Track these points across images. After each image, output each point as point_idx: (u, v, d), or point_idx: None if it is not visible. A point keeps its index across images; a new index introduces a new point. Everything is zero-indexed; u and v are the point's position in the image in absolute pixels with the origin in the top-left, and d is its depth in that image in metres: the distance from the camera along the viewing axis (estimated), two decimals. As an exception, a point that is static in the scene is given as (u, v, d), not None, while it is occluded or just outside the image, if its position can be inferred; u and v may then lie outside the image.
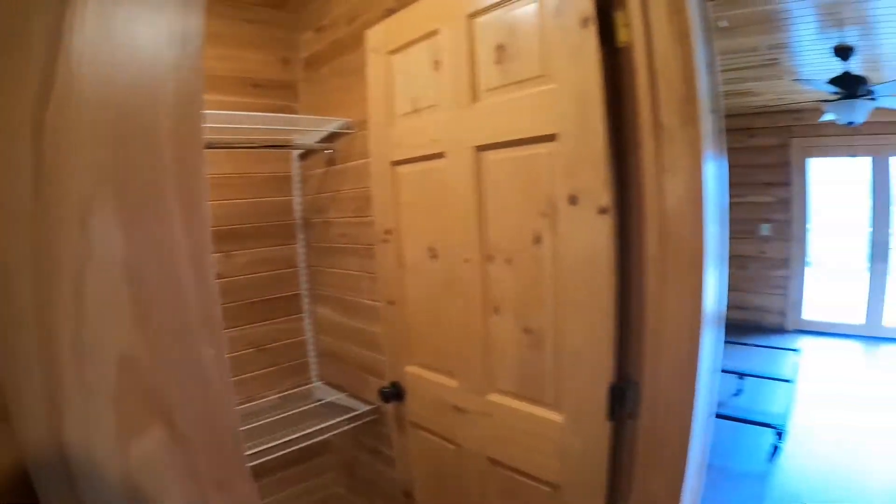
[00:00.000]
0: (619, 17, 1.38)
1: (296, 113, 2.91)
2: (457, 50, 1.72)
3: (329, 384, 3.03)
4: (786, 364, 5.78)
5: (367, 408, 2.66)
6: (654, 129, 1.35)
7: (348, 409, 2.71)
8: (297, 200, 3.00)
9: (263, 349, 2.92)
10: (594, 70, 1.37)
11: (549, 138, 1.50)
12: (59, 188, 0.57)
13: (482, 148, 1.69)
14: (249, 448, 2.22)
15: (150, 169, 0.63)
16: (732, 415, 4.54)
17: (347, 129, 2.55)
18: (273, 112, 2.73)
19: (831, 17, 3.40)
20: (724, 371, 4.79)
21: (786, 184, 7.01)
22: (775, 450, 3.96)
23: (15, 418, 0.61)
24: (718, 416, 4.34)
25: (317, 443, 2.66)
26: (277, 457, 2.37)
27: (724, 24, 3.45)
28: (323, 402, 2.87)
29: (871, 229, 6.90)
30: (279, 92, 2.90)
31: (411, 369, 2.10)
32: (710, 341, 1.50)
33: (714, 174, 1.41)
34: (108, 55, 0.59)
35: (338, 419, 2.62)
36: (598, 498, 1.58)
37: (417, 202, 1.96)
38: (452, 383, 1.93)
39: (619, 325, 1.47)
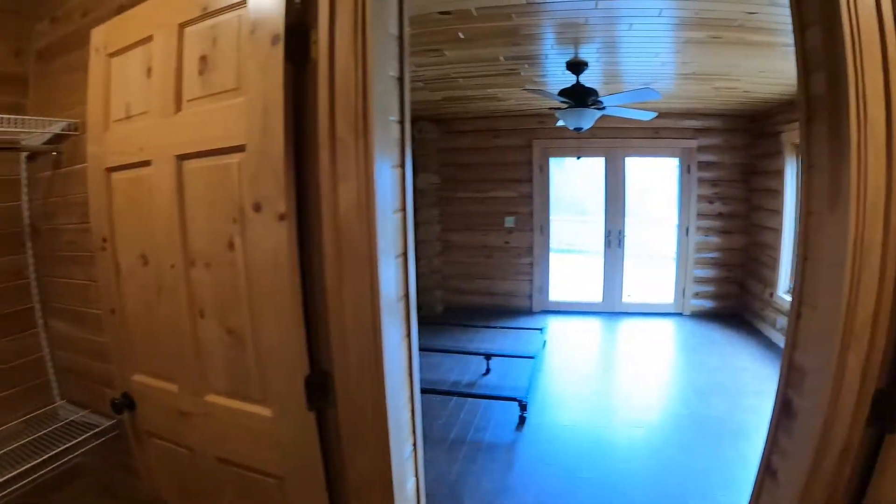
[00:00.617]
0: (313, 35, 1.49)
1: (25, 110, 2.59)
2: (166, 58, 1.72)
3: (73, 402, 2.79)
4: (530, 342, 6.38)
5: (109, 423, 2.52)
6: (331, 141, 1.47)
7: (93, 426, 2.54)
8: (25, 206, 2.70)
9: (-3, 371, 2.62)
10: (279, 85, 1.46)
11: (240, 149, 1.56)
12: None
13: (183, 157, 1.71)
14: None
15: None
16: (482, 392, 4.96)
17: (73, 130, 2.37)
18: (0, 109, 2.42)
19: (564, 36, 3.78)
20: (472, 353, 5.27)
21: (529, 180, 7.68)
22: (522, 420, 4.37)
23: None
24: (469, 395, 4.77)
25: (72, 466, 2.48)
26: (29, 488, 2.20)
27: (461, 35, 3.68)
28: (68, 421, 2.64)
29: (605, 220, 7.85)
30: (8, 87, 2.57)
31: (138, 378, 2.07)
32: (396, 327, 1.68)
33: (389, 180, 1.58)
34: None
35: (81, 438, 2.45)
36: (318, 483, 1.70)
37: (130, 209, 1.93)
38: (174, 388, 1.94)
39: (308, 322, 1.59)
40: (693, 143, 7.30)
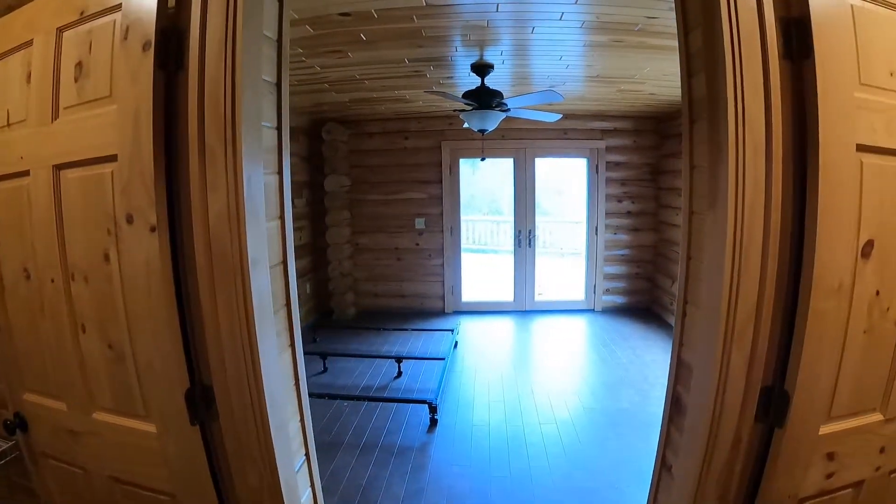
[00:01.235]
0: (187, 40, 1.43)
1: None
2: (45, 63, 1.63)
3: None
4: (442, 344, 6.39)
5: (7, 445, 2.35)
6: (200, 149, 1.42)
7: None
8: None
9: None
10: (148, 92, 1.40)
11: (112, 158, 1.50)
12: None
13: (60, 166, 1.63)
14: None
15: None
16: (393, 396, 4.92)
17: None
18: None
19: (467, 38, 3.77)
20: (384, 357, 5.20)
21: (438, 181, 7.69)
22: (433, 422, 4.36)
23: None
24: (379, 399, 4.71)
25: None
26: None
27: (363, 37, 3.63)
28: None
29: (514, 220, 7.96)
30: None
31: (29, 397, 1.97)
32: (275, 338, 1.65)
33: (261, 188, 1.54)
34: None
35: None
36: (209, 499, 1.67)
37: (11, 221, 1.83)
38: (62, 406, 1.86)
39: (186, 335, 1.55)
40: (601, 144, 7.49)
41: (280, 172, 1.69)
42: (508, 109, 4.85)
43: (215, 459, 1.66)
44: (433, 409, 4.36)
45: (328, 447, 3.93)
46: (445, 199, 7.70)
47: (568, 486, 3.45)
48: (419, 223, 7.79)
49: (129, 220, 1.49)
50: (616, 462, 3.71)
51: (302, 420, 1.87)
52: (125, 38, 1.44)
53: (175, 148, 1.47)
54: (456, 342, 6.34)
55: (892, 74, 1.36)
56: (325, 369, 5.54)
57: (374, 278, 7.97)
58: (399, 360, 5.55)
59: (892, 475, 1.65)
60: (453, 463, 3.79)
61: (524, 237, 7.88)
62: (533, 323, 7.53)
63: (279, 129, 1.67)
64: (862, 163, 1.34)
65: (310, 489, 1.92)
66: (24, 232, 1.77)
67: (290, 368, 1.77)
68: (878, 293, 1.41)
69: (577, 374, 5.65)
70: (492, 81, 4.71)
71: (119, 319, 1.61)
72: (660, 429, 1.87)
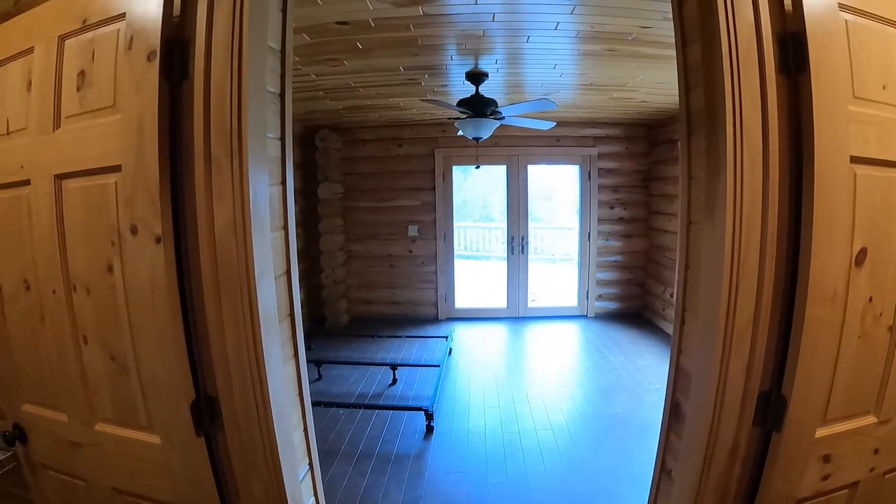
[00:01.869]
0: (192, 50, 1.43)
1: None
2: (46, 72, 1.61)
3: None
4: (437, 350, 6.41)
5: (4, 455, 2.37)
6: (206, 160, 1.42)
7: None
8: None
9: None
10: (153, 103, 1.40)
11: (116, 169, 1.50)
12: None
13: (62, 176, 1.62)
14: None
15: None
16: (389, 403, 4.93)
17: None
18: None
19: (463, 47, 3.81)
20: (378, 364, 5.21)
21: (431, 189, 7.70)
22: (429, 429, 4.37)
23: None
24: (374, 406, 4.72)
25: None
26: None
27: (359, 45, 3.66)
28: None
29: (507, 226, 7.99)
30: None
31: (28, 408, 1.95)
32: (280, 348, 1.65)
33: (266, 199, 1.55)
34: None
35: None
36: None
37: (10, 231, 1.80)
38: (63, 417, 1.83)
39: (192, 346, 1.54)
40: (594, 151, 7.54)
41: (283, 183, 1.69)
42: (503, 117, 4.89)
43: (220, 471, 1.65)
44: (429, 416, 4.37)
45: (324, 455, 3.91)
46: (438, 205, 7.72)
47: (564, 490, 3.47)
48: (412, 230, 7.80)
49: (134, 231, 1.48)
50: (611, 466, 3.73)
51: (305, 430, 1.87)
52: (129, 48, 1.43)
53: (180, 158, 1.47)
54: (450, 349, 6.35)
55: (884, 88, 1.40)
56: (320, 377, 5.53)
57: (367, 285, 7.96)
58: (394, 367, 5.55)
59: (887, 476, 1.68)
60: (450, 469, 3.80)
61: (517, 244, 7.91)
62: (526, 329, 7.55)
63: (282, 139, 1.68)
64: (855, 174, 1.37)
65: (313, 498, 1.92)
66: (24, 242, 1.75)
67: (294, 378, 1.77)
68: (871, 299, 1.45)
69: (572, 380, 5.67)
70: (486, 89, 4.74)
71: (122, 331, 1.59)
72: (658, 434, 1.90)
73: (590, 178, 7.61)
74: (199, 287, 1.51)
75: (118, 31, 1.46)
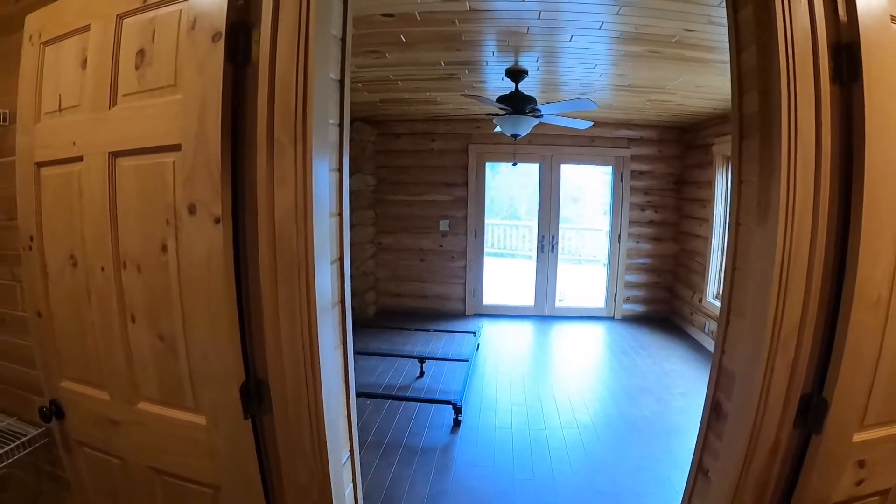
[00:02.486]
0: (255, 34, 1.44)
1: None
2: (103, 50, 1.61)
3: None
4: (464, 345, 6.43)
5: (37, 431, 2.37)
6: (269, 144, 1.43)
7: (19, 435, 2.37)
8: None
9: None
10: (217, 84, 1.41)
11: (175, 148, 1.49)
12: None
13: (116, 154, 1.63)
14: None
15: None
16: (416, 396, 4.96)
17: (3, 120, 2.18)
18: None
19: (505, 44, 3.83)
20: (406, 356, 5.23)
21: (464, 184, 7.74)
22: (457, 423, 4.40)
23: None
24: (403, 398, 4.76)
25: None
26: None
27: (403, 38, 3.70)
28: None
29: (538, 225, 7.99)
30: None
31: (67, 384, 1.96)
32: (332, 333, 1.66)
33: (326, 184, 1.55)
34: None
35: (7, 448, 2.28)
36: (255, 492, 1.66)
37: (59, 207, 1.81)
38: (104, 396, 1.84)
39: (244, 328, 1.56)
40: (627, 153, 7.52)
41: (340, 169, 1.70)
42: (541, 115, 4.90)
43: (263, 454, 1.65)
44: (458, 410, 4.40)
45: (352, 444, 3.98)
46: (470, 201, 7.76)
47: (591, 489, 3.49)
48: (443, 225, 7.84)
49: (192, 210, 1.48)
50: (637, 468, 3.74)
51: (349, 416, 1.87)
52: (192, 28, 1.44)
53: (240, 141, 1.47)
54: (478, 344, 6.37)
55: (935, 98, 1.40)
56: (348, 367, 5.56)
57: (396, 278, 8.02)
58: (422, 360, 5.59)
59: None
60: (477, 464, 3.83)
61: (547, 242, 7.92)
62: (553, 328, 7.57)
63: (340, 125, 1.68)
64: (905, 182, 1.38)
65: (351, 484, 1.93)
66: (73, 219, 1.75)
67: (342, 364, 1.78)
68: (912, 307, 1.46)
69: (598, 380, 5.69)
70: (523, 87, 4.76)
71: (173, 311, 1.60)
72: (686, 437, 1.92)
73: (622, 180, 7.59)
74: (254, 269, 1.51)
75: (180, 11, 1.47)
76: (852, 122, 1.39)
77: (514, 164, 7.52)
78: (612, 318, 7.92)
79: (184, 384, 1.65)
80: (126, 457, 1.89)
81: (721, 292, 1.76)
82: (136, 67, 1.56)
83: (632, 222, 7.71)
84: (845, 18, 1.37)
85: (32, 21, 1.84)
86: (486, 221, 8.04)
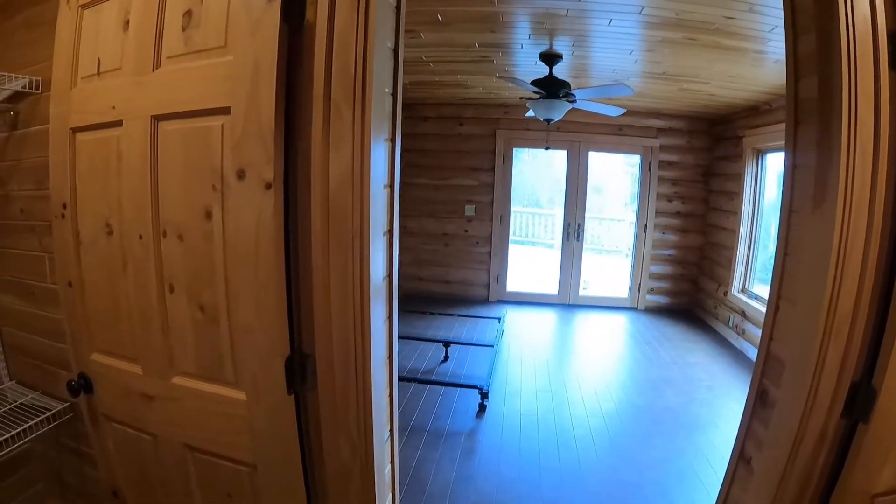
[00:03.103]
0: None
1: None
2: (147, 10, 1.56)
3: (22, 383, 2.61)
4: (488, 331, 6.45)
5: (62, 405, 2.38)
6: (325, 107, 1.39)
7: (43, 410, 2.39)
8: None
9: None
10: (272, 45, 1.36)
11: (224, 111, 1.45)
12: None
13: (159, 118, 1.58)
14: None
15: None
16: (441, 380, 4.99)
17: (34, 88, 2.19)
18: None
19: (542, 26, 3.81)
20: (430, 340, 5.24)
21: (490, 169, 7.72)
22: (482, 408, 4.42)
23: None
24: (428, 381, 4.78)
25: (20, 452, 2.33)
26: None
27: (440, 18, 3.68)
28: (17, 404, 2.46)
29: (564, 213, 7.97)
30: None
31: (97, 357, 1.91)
32: (381, 308, 1.62)
33: (382, 153, 1.52)
34: None
35: (32, 423, 2.30)
36: (294, 470, 1.63)
37: (95, 174, 1.76)
38: (137, 369, 1.80)
39: (290, 300, 1.51)
40: (656, 142, 7.46)
41: (393, 140, 1.65)
42: (575, 100, 4.86)
43: (303, 431, 1.61)
44: (484, 395, 4.41)
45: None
46: (497, 187, 7.75)
47: (615, 479, 3.50)
48: (469, 210, 7.85)
49: (241, 176, 1.44)
50: (660, 459, 3.75)
51: (391, 393, 1.83)
52: None
53: (294, 105, 1.43)
54: (502, 331, 6.37)
55: None
56: (372, 349, 5.60)
57: (419, 262, 8.04)
58: (447, 344, 5.61)
59: None
60: (503, 450, 3.85)
61: (573, 230, 7.89)
62: (576, 317, 7.57)
63: (394, 95, 1.64)
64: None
65: (389, 465, 1.90)
66: (110, 185, 1.70)
67: (387, 340, 1.74)
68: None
69: (622, 370, 5.70)
70: (556, 71, 4.74)
71: (216, 280, 1.55)
72: (739, 422, 1.90)
73: (650, 170, 7.54)
74: (304, 238, 1.47)
75: None
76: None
77: (547, 149, 7.46)
78: (635, 309, 7.90)
79: (224, 357, 1.62)
80: (158, 433, 1.85)
81: (770, 280, 1.74)
82: (183, 29, 1.51)
83: (658, 213, 7.66)
84: (905, 5, 1.34)
85: (69, -16, 1.78)
86: (513, 209, 8.03)
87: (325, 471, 1.65)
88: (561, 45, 4.28)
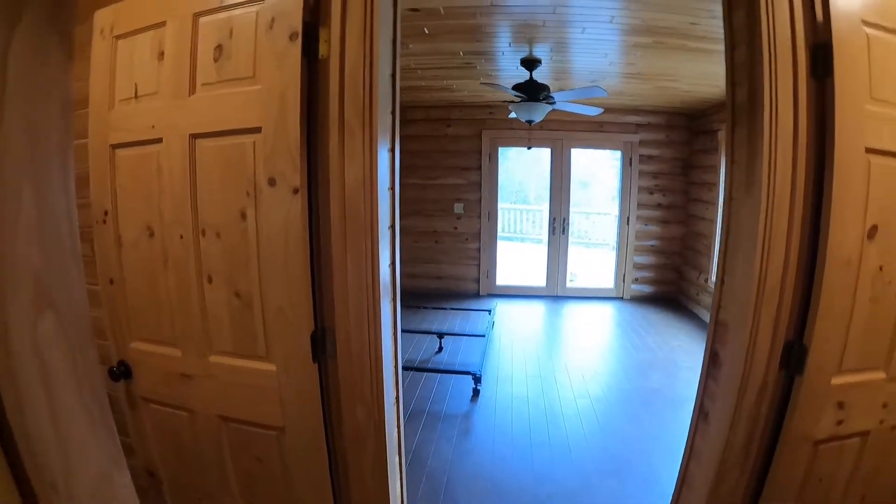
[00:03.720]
0: (322, 34, 1.68)
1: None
2: (180, 44, 1.80)
3: None
4: (480, 323, 6.72)
5: None
6: (340, 126, 1.69)
7: None
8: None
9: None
10: (296, 77, 1.64)
11: (255, 130, 1.71)
12: None
13: (196, 136, 1.82)
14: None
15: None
16: (437, 367, 5.24)
17: None
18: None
19: (522, 35, 4.09)
20: (425, 332, 5.47)
21: (477, 168, 7.99)
22: (476, 392, 4.68)
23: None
24: (425, 369, 5.05)
25: None
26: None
27: (426, 31, 3.95)
28: None
29: (549, 207, 8.25)
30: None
31: (136, 345, 2.13)
32: (387, 288, 1.92)
33: (386, 162, 1.82)
34: None
35: None
36: (317, 432, 1.88)
37: (134, 184, 2.01)
38: (176, 353, 2.02)
39: (314, 283, 1.79)
40: (635, 138, 7.75)
41: (393, 150, 1.95)
42: (554, 102, 5.14)
43: (325, 396, 1.86)
44: (477, 380, 4.66)
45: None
46: (484, 185, 8.01)
47: (604, 454, 3.74)
48: (458, 208, 8.10)
49: (272, 182, 1.70)
50: (647, 436, 3.99)
51: (396, 363, 2.13)
52: (271, 28, 1.65)
53: (313, 125, 1.70)
54: (493, 322, 6.62)
55: (899, 91, 1.66)
56: (370, 343, 5.82)
57: (411, 259, 8.26)
58: (440, 335, 5.85)
59: (895, 430, 1.92)
60: (496, 429, 4.09)
61: (558, 225, 8.16)
62: (564, 308, 7.84)
63: (393, 113, 1.94)
64: (870, 162, 1.64)
65: (396, 429, 2.16)
66: (150, 194, 1.94)
67: (392, 315, 2.05)
68: (881, 268, 1.71)
69: (609, 356, 5.96)
70: (536, 74, 5.01)
71: (250, 270, 1.80)
72: (692, 407, 2.18)
73: (631, 165, 7.82)
74: (325, 232, 1.76)
75: (256, 12, 1.68)
76: (826, 111, 1.64)
77: (529, 148, 7.73)
78: (620, 299, 8.19)
79: (257, 336, 1.86)
80: (196, 408, 2.07)
81: (716, 256, 2.02)
82: (215, 60, 1.76)
83: (640, 205, 7.95)
84: (821, 19, 1.61)
85: (102, 16, 2.03)
86: (499, 205, 8.27)
87: (344, 433, 1.93)
88: (540, 51, 4.56)
